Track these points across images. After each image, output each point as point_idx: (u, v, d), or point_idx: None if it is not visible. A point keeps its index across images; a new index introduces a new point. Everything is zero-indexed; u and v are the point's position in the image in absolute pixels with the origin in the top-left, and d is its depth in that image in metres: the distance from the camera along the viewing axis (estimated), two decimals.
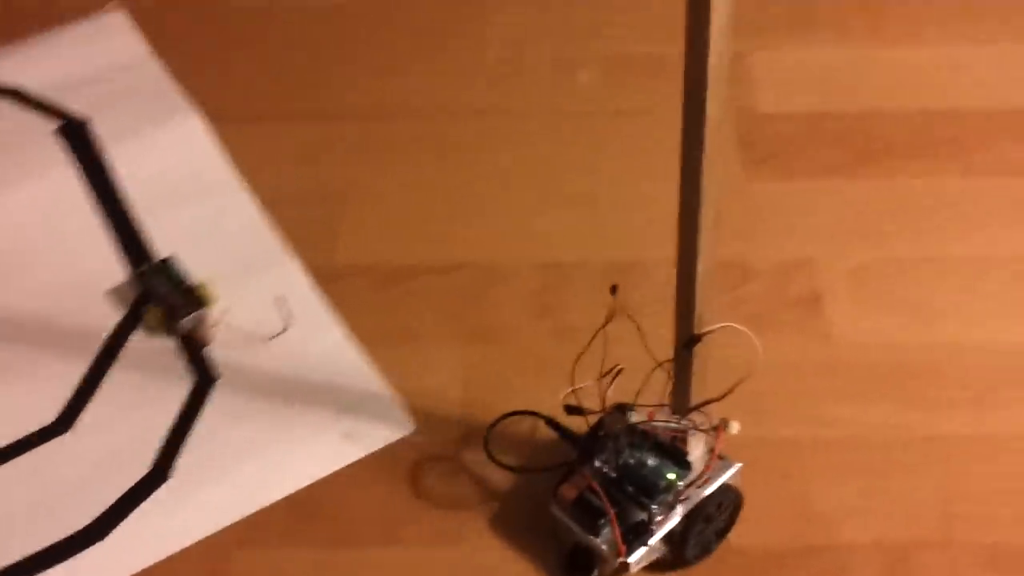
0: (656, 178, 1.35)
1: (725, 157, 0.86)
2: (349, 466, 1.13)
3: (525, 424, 1.13)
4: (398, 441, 1.14)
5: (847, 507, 1.09)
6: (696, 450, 1.03)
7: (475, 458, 1.12)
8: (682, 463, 1.02)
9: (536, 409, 1.12)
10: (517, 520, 1.09)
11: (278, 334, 1.22)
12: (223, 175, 1.38)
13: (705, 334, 0.95)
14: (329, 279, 1.27)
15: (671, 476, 1.01)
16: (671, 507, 1.01)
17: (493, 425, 1.12)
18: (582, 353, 1.00)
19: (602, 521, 1.00)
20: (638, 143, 1.40)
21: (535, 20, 1.54)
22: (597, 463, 1.03)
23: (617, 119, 1.43)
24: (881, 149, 1.38)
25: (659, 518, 1.01)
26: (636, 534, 1.01)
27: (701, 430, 1.00)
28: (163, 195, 1.36)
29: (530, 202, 1.35)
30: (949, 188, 1.34)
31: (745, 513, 1.08)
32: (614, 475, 1.02)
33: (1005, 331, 1.21)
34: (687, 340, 0.95)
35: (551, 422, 1.09)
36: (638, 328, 0.98)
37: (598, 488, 1.00)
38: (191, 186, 1.37)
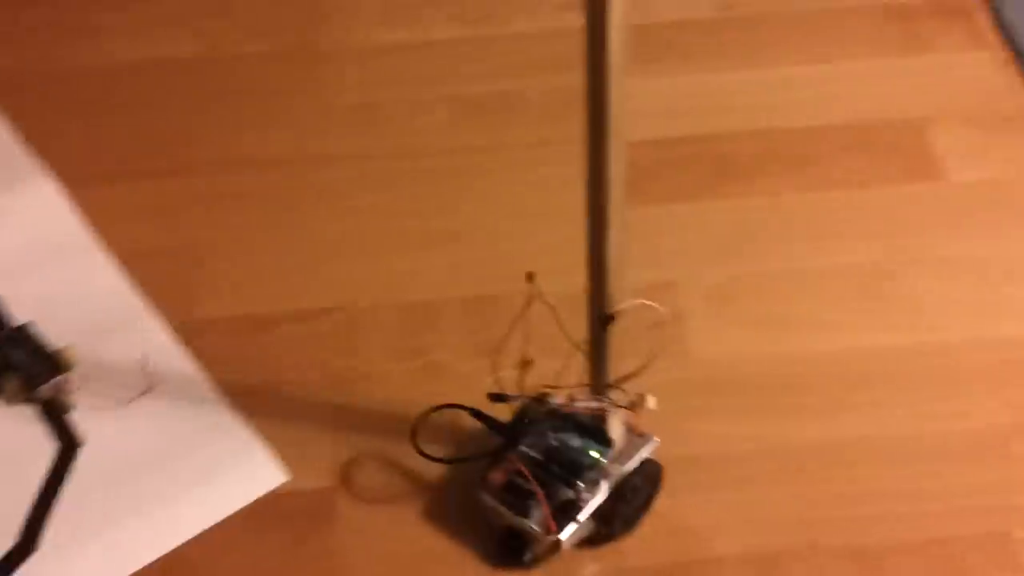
0: (513, 212, 1.39)
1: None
2: (223, 521, 1.12)
3: (446, 417, 1.14)
4: (272, 492, 1.14)
5: (716, 521, 1.12)
6: (616, 428, 1.07)
7: (404, 452, 1.13)
8: (604, 441, 1.06)
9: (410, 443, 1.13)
10: (449, 510, 1.12)
11: (143, 394, 1.21)
12: (79, 237, 1.36)
13: (618, 312, 0.99)
14: (192, 334, 1.27)
15: (595, 454, 1.06)
16: (597, 484, 1.05)
17: (420, 420, 1.13)
18: (504, 338, 1.05)
19: (532, 502, 1.04)
20: (493, 179, 1.42)
21: (386, 67, 1.56)
22: (523, 448, 1.07)
23: (471, 157, 1.45)
24: (730, 170, 1.42)
25: (586, 495, 1.05)
26: (565, 512, 1.05)
27: (619, 407, 1.04)
28: (18, 261, 1.34)
29: (390, 244, 1.36)
30: (796, 203, 1.39)
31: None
32: (540, 458, 1.06)
33: (854, 338, 1.25)
34: (602, 319, 0.99)
35: (476, 412, 1.12)
36: (555, 313, 1.01)
37: (526, 471, 1.04)
38: (47, 250, 1.35)
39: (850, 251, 1.33)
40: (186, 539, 1.10)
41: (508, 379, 1.06)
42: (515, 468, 1.06)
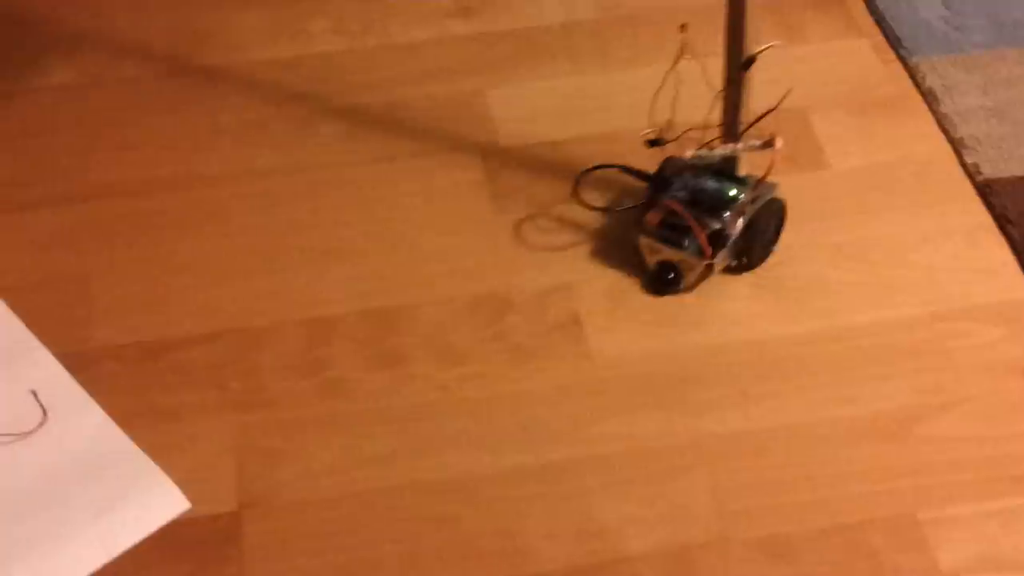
0: (411, 221, 1.37)
1: None
2: (126, 553, 1.09)
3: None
4: (175, 520, 1.11)
5: (628, 518, 1.12)
6: (745, 169, 1.26)
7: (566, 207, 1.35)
8: (740, 181, 1.25)
9: None
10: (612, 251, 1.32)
11: (37, 427, 1.17)
12: None
13: (758, 53, 1.17)
14: (84, 364, 1.23)
15: (734, 192, 1.25)
16: (738, 216, 1.24)
17: (582, 175, 1.36)
18: (659, 89, 1.19)
19: (685, 236, 1.23)
20: (384, 190, 1.41)
21: (271, 82, 1.53)
22: (671, 194, 1.25)
23: (361, 169, 1.43)
24: (614, 179, 1.43)
25: (731, 225, 1.23)
26: (714, 241, 1.23)
27: (754, 147, 1.21)
28: None
29: (285, 260, 1.34)
30: None
31: (532, 540, 1.10)
32: (688, 198, 1.24)
33: (759, 326, 1.27)
34: (743, 62, 1.17)
35: (626, 168, 1.33)
36: (702, 69, 1.16)
37: (680, 208, 1.23)
38: None
39: None
40: (88, 573, 1.07)
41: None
42: (669, 208, 1.24)
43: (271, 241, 1.36)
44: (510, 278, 1.31)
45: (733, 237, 1.24)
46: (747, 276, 1.31)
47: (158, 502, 1.12)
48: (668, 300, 1.29)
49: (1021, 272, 1.30)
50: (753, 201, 1.25)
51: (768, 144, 1.20)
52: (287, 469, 1.15)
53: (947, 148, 1.43)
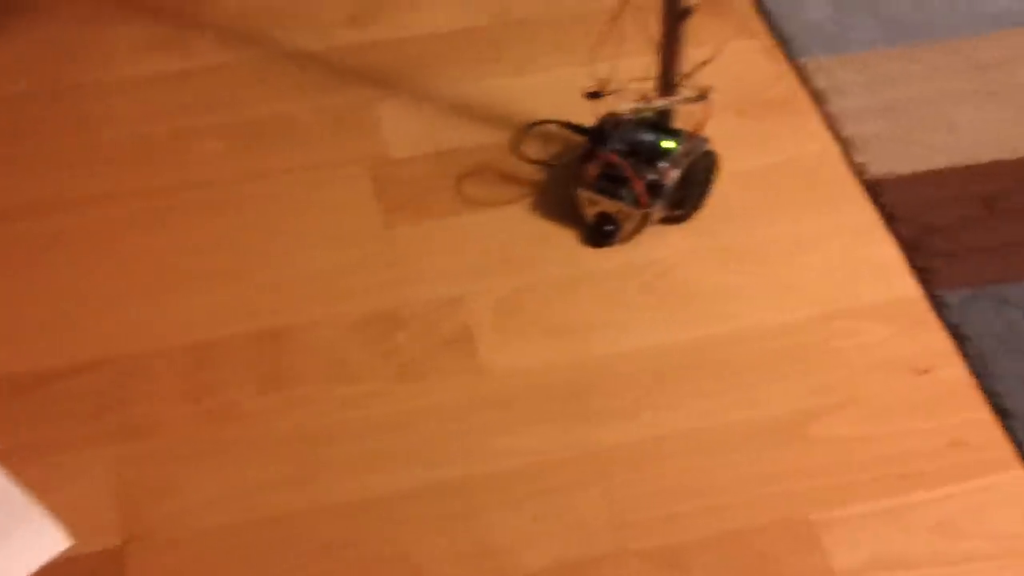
0: (299, 237, 1.35)
1: None
2: None
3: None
4: (56, 558, 1.08)
5: (525, 535, 1.11)
6: (678, 122, 1.32)
7: (507, 161, 1.39)
8: (675, 133, 1.31)
9: None
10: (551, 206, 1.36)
11: None
12: None
13: (693, 6, 1.22)
14: None
15: (670, 144, 1.30)
16: (674, 167, 1.28)
17: (518, 134, 1.41)
18: (595, 44, 1.24)
19: (622, 188, 1.28)
20: (271, 207, 1.38)
21: (154, 98, 1.50)
22: (609, 147, 1.29)
23: (246, 186, 1.40)
24: (511, 178, 1.41)
25: (667, 176, 1.27)
26: (651, 191, 1.28)
27: (689, 99, 1.27)
28: None
29: (170, 283, 1.30)
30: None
31: (429, 562, 1.08)
32: (626, 151, 1.28)
33: (652, 333, 1.26)
34: (679, 12, 1.22)
35: (566, 124, 1.38)
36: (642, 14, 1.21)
37: (618, 160, 1.27)
38: None
39: (630, 252, 1.34)
40: None
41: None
42: (607, 160, 1.28)
43: (154, 263, 1.32)
44: (401, 293, 1.29)
45: (669, 187, 1.28)
46: (639, 280, 1.30)
47: (38, 540, 1.08)
48: (560, 309, 1.28)
49: (909, 270, 1.31)
50: (688, 153, 1.30)
51: (702, 96, 1.25)
52: (173, 501, 1.12)
53: (835, 148, 1.44)
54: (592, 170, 1.30)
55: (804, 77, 1.52)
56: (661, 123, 1.32)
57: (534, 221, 1.36)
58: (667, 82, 1.28)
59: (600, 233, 1.31)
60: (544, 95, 1.50)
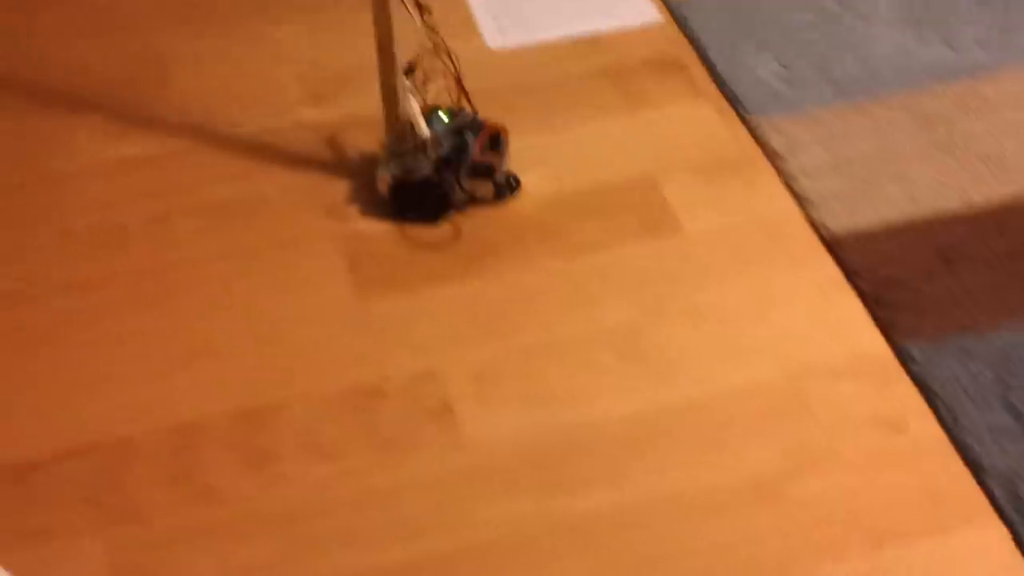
0: (274, 315, 1.36)
1: None
2: None
3: None
4: None
5: None
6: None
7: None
8: (444, 121, 1.47)
9: None
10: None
11: None
12: None
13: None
14: None
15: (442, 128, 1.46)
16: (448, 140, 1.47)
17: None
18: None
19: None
20: (248, 283, 1.40)
21: (124, 183, 1.51)
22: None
23: (218, 265, 1.42)
24: (481, 246, 1.44)
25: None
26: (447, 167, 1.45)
27: (413, 92, 1.43)
28: None
29: (150, 365, 1.31)
30: (545, 273, 1.41)
31: None
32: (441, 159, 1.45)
33: (627, 399, 1.28)
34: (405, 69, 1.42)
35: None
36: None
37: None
38: None
39: (602, 316, 1.36)
40: None
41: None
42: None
43: (134, 347, 1.33)
44: (377, 367, 1.31)
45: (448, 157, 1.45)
46: (611, 347, 1.32)
47: None
48: (537, 376, 1.30)
49: (872, 324, 1.34)
50: (459, 130, 1.46)
51: (410, 70, 1.43)
52: None
53: (794, 205, 1.48)
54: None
55: (758, 136, 1.57)
56: (435, 123, 1.47)
57: (505, 289, 1.39)
58: (392, 116, 1.44)
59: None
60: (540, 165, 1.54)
